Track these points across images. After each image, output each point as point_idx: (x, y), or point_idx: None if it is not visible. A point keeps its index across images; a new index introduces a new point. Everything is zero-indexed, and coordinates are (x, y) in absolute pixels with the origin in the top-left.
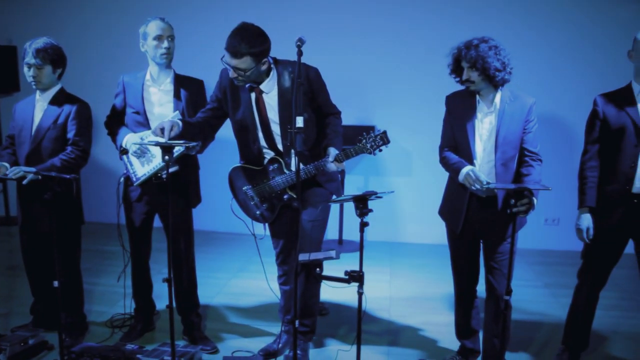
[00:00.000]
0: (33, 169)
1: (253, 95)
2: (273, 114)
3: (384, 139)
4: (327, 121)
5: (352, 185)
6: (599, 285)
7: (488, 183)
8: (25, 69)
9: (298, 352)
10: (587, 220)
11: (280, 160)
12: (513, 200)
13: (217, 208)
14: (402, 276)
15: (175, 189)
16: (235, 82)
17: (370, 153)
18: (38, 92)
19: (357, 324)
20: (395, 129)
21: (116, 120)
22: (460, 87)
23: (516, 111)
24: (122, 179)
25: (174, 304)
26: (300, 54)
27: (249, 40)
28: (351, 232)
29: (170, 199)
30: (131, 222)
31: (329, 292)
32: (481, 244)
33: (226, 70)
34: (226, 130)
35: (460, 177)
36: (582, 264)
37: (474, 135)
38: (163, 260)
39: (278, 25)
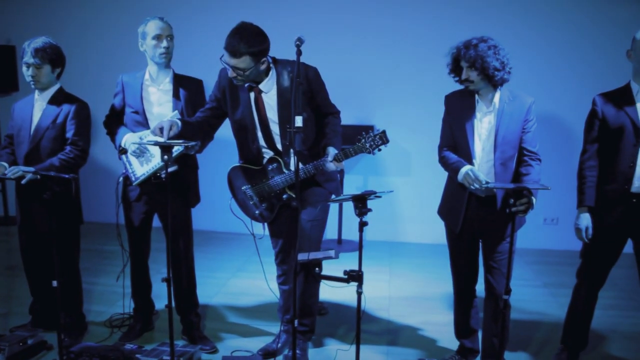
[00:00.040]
0: (32, 169)
1: (252, 94)
2: (272, 114)
3: (383, 139)
4: (326, 121)
5: (351, 185)
6: (597, 285)
7: (487, 182)
8: (24, 68)
9: (297, 351)
10: (586, 219)
11: (280, 159)
12: (512, 200)
13: (216, 208)
14: (402, 276)
15: (175, 189)
16: (235, 81)
17: (369, 152)
18: (37, 92)
19: (357, 324)
20: (395, 128)
21: (115, 120)
22: (459, 87)
23: (515, 111)
24: (121, 178)
25: (173, 304)
26: (299, 53)
27: (248, 40)
28: (350, 232)
29: (170, 198)
30: (130, 221)
31: (328, 292)
32: (480, 244)
33: (225, 69)
34: (225, 130)
35: (460, 176)
36: (581, 264)
37: (473, 134)
38: (162, 260)
39: (277, 25)
